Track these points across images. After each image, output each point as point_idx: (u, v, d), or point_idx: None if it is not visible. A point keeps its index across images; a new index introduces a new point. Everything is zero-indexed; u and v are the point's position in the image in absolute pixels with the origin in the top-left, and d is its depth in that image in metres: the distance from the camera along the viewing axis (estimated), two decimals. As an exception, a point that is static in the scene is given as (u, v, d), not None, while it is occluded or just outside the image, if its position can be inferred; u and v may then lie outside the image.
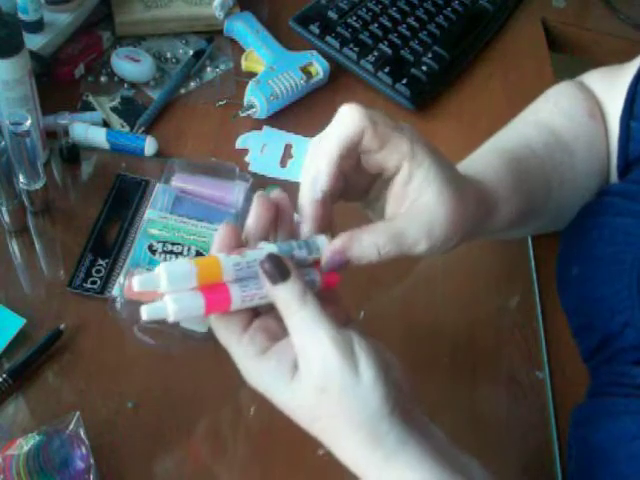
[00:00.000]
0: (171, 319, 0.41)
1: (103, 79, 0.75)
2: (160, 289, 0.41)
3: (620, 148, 0.61)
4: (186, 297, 0.41)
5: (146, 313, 0.40)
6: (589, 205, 0.60)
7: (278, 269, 0.42)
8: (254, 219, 0.46)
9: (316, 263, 0.46)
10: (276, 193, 0.47)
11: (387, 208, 0.49)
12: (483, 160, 0.57)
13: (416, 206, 0.47)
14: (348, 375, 0.40)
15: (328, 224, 0.48)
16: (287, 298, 0.42)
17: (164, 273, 0.40)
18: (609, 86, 0.65)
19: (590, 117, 0.63)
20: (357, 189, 0.51)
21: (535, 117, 0.64)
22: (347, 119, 0.46)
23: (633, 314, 0.51)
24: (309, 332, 0.41)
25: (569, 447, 0.54)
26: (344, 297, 0.60)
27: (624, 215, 0.55)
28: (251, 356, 0.43)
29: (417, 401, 0.44)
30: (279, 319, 0.43)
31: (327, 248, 0.46)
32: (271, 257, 0.42)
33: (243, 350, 0.43)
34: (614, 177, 0.63)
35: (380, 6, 0.86)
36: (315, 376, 0.41)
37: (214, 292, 0.42)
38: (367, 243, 0.46)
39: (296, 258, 0.45)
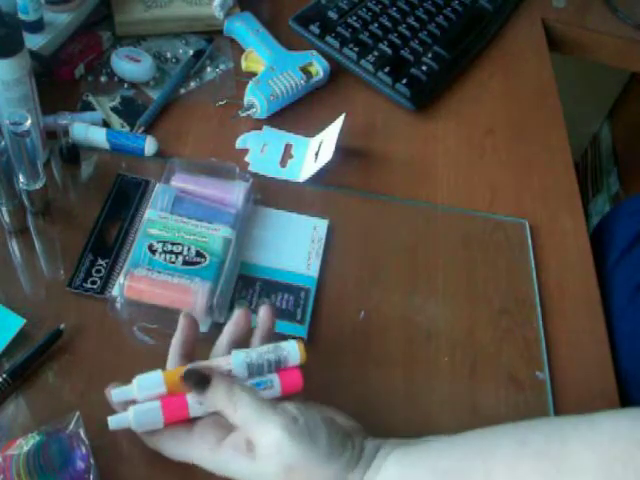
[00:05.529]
0: (132, 428, 0.46)
1: (103, 79, 0.75)
2: (133, 396, 0.47)
3: None
4: (146, 411, 0.46)
5: (111, 423, 0.46)
6: None
7: (197, 380, 0.45)
8: (228, 334, 0.50)
9: (277, 369, 0.49)
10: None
11: None
12: None
13: None
14: (309, 450, 0.43)
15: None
16: (219, 401, 0.45)
17: (136, 383, 0.47)
18: None
19: None
20: None
21: None
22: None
23: None
24: (254, 426, 0.44)
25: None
26: (345, 297, 0.61)
27: None
28: (206, 450, 0.45)
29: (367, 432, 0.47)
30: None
31: None
32: (188, 373, 0.46)
33: (197, 447, 0.46)
34: None
35: (380, 6, 0.86)
36: (275, 463, 0.43)
37: (174, 407, 0.46)
38: None
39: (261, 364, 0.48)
